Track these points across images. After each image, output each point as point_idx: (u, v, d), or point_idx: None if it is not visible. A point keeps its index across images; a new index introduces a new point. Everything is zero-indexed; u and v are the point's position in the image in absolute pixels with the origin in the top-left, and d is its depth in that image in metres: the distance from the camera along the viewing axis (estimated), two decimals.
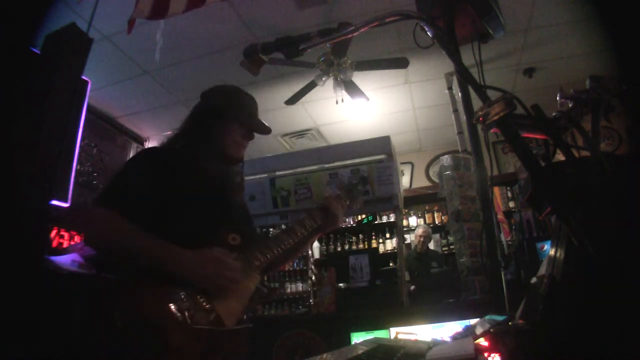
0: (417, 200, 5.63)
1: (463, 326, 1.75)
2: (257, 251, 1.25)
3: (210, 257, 1.11)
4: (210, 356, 1.06)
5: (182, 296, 1.06)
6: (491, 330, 0.91)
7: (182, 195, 1.20)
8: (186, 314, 1.03)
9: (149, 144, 5.34)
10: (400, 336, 2.48)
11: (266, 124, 1.46)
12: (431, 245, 5.49)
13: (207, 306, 1.08)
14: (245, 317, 1.20)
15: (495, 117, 0.70)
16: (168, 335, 0.99)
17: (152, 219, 1.12)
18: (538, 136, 0.92)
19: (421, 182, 6.11)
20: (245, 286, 1.19)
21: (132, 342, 0.97)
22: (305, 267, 5.29)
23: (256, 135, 1.47)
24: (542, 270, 1.03)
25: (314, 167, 3.45)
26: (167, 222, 1.15)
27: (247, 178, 1.90)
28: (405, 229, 5.50)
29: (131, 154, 5.04)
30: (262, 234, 4.45)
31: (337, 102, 4.10)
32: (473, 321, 1.59)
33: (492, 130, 0.73)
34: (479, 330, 1.02)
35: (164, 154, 1.32)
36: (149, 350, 0.98)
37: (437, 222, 5.58)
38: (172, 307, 1.02)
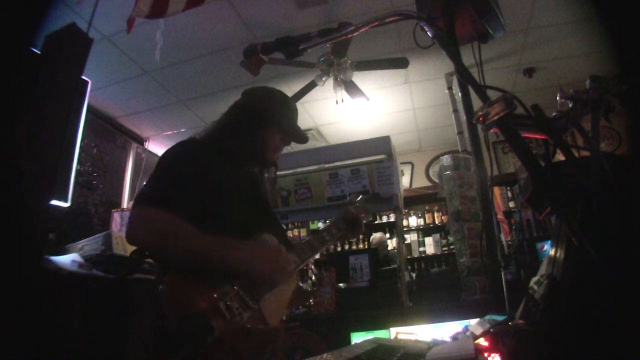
0: (417, 200, 5.63)
1: (463, 326, 1.75)
2: (294, 254, 1.30)
3: (266, 251, 1.18)
4: (255, 351, 1.13)
5: (230, 296, 1.12)
6: (491, 330, 0.91)
7: (221, 194, 1.22)
8: (234, 312, 1.10)
9: (149, 144, 5.31)
10: (400, 336, 2.48)
11: (305, 133, 1.48)
12: (431, 246, 5.53)
13: (254, 306, 1.15)
14: (285, 318, 1.27)
15: (495, 117, 0.70)
16: (216, 331, 1.05)
17: (195, 217, 1.13)
18: (538, 136, 0.91)
19: (421, 182, 6.11)
20: (286, 287, 1.27)
21: (183, 337, 1.03)
22: (305, 267, 5.26)
23: None
24: (542, 270, 1.03)
25: (314, 167, 3.44)
26: (209, 220, 1.16)
27: None
28: (405, 229, 5.50)
29: (131, 154, 5.02)
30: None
31: (337, 102, 4.10)
32: (473, 321, 1.59)
33: (492, 130, 0.73)
34: (478, 330, 1.02)
35: (202, 150, 1.28)
36: (199, 343, 1.04)
37: (437, 222, 5.58)
38: (221, 305, 1.08)
